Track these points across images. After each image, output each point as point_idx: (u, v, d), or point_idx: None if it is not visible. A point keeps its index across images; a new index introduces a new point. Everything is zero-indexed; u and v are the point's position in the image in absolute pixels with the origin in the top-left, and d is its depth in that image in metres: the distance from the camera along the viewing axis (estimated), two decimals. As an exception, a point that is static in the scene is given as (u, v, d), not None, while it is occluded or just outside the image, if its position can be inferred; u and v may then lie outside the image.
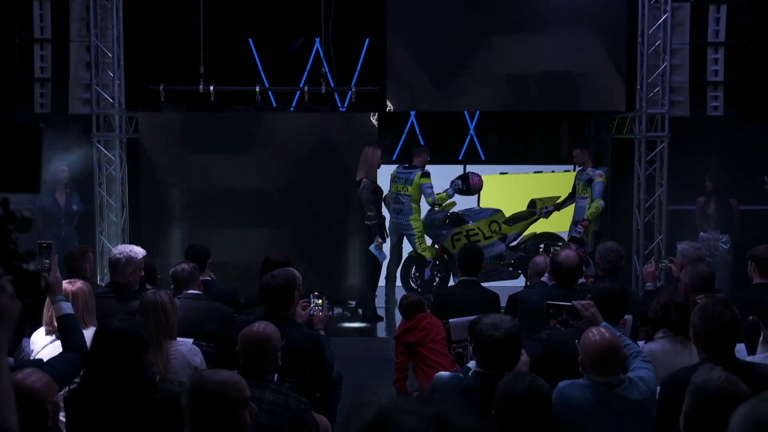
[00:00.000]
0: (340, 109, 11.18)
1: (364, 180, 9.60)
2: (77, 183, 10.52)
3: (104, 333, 4.05)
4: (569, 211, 10.76)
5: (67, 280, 5.03)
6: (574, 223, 10.48)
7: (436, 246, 10.62)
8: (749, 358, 4.62)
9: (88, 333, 4.71)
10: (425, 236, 10.39)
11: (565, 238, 10.69)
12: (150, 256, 6.90)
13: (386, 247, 10.06)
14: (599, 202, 10.14)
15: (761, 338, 4.66)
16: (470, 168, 11.98)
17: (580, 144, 10.73)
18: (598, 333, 4.17)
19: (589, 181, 10.29)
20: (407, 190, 10.09)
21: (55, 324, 4.61)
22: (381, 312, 10.26)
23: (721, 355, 4.00)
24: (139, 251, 6.17)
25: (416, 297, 6.83)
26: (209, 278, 6.82)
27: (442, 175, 11.34)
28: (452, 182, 10.39)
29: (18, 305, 1.85)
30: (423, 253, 10.26)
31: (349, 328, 9.82)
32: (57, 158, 10.32)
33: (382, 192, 9.89)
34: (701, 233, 10.40)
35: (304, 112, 10.62)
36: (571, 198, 10.68)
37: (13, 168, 2.00)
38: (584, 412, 4.02)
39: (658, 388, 4.15)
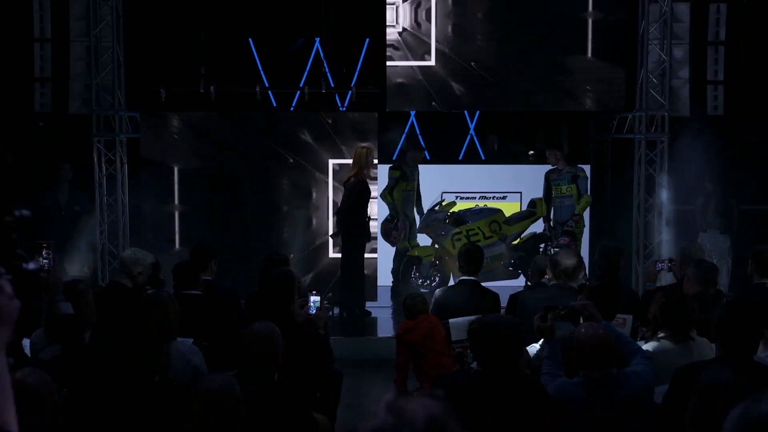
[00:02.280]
0: (340, 109, 11.18)
1: (352, 179, 9.65)
2: (77, 183, 10.52)
3: (101, 331, 4.05)
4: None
5: (70, 280, 5.02)
6: (560, 223, 10.45)
7: (436, 246, 10.63)
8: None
9: (90, 333, 4.72)
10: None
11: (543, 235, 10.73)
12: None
13: None
14: (588, 197, 10.24)
15: (764, 338, 4.65)
16: (469, 167, 12.00)
17: (554, 145, 10.73)
18: (591, 328, 4.19)
19: (574, 178, 10.30)
20: None
21: (56, 324, 4.61)
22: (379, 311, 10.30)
23: (738, 354, 3.98)
24: (149, 256, 6.33)
25: (419, 297, 6.82)
26: (209, 278, 6.81)
27: (442, 175, 11.37)
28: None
29: (17, 305, 1.85)
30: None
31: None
32: (58, 158, 10.33)
33: (369, 192, 9.85)
34: (701, 233, 10.40)
35: (304, 112, 10.63)
36: (547, 201, 10.65)
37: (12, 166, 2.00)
38: (577, 409, 4.03)
39: (661, 388, 4.15)
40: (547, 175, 10.60)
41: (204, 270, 6.59)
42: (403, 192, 10.65)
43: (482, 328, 4.06)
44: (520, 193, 11.49)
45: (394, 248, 10.74)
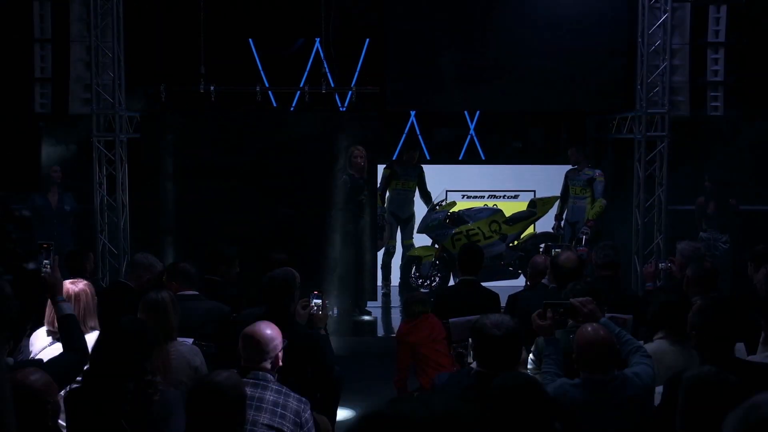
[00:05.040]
0: (340, 109, 11.18)
1: (344, 177, 9.74)
2: (77, 183, 10.52)
3: (111, 332, 4.05)
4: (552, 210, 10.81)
5: (69, 281, 5.02)
6: (570, 224, 10.45)
7: (437, 246, 10.64)
8: (749, 358, 4.61)
9: (90, 333, 4.72)
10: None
11: (550, 236, 10.72)
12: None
13: None
14: (602, 201, 10.18)
15: (762, 338, 4.65)
16: (469, 167, 12.00)
17: (576, 144, 10.72)
18: (592, 329, 4.18)
19: (590, 181, 10.28)
20: None
21: (56, 324, 4.61)
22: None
23: (719, 354, 4.00)
24: (159, 263, 6.50)
25: (420, 297, 6.82)
26: (217, 278, 6.81)
27: (442, 175, 11.37)
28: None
29: (16, 304, 1.86)
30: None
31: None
32: (54, 158, 10.34)
33: (361, 190, 9.82)
34: (701, 233, 10.39)
35: (304, 112, 10.62)
36: (563, 200, 10.65)
37: (12, 166, 2.00)
38: (578, 411, 4.02)
39: (661, 388, 4.15)
40: (567, 174, 10.61)
41: (214, 272, 6.67)
42: (394, 191, 10.67)
43: (483, 328, 4.05)
44: (534, 191, 11.46)
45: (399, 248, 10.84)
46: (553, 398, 3.97)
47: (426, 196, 10.91)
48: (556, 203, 10.77)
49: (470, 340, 4.42)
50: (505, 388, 3.51)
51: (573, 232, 10.56)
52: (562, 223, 10.65)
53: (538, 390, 3.57)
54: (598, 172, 10.30)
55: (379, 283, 10.84)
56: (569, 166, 10.66)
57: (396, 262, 11.00)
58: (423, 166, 11.20)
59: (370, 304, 10.33)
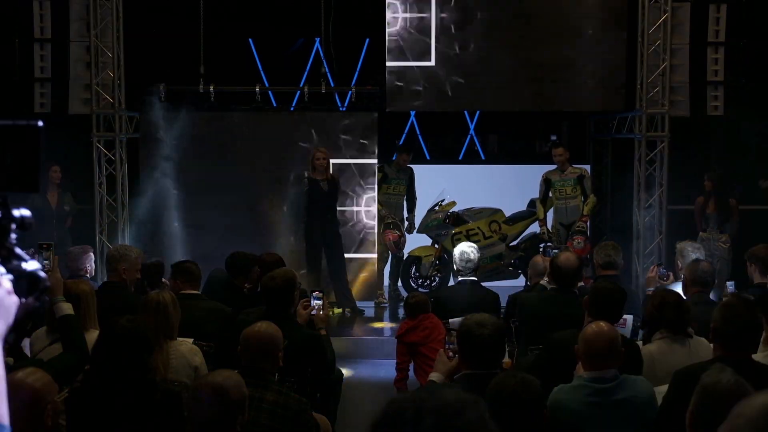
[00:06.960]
0: (340, 109, 11.18)
1: (304, 180, 9.74)
2: (77, 183, 10.52)
3: (110, 332, 4.05)
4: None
5: (70, 280, 5.02)
6: (565, 226, 10.39)
7: (436, 246, 10.63)
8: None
9: (90, 333, 4.72)
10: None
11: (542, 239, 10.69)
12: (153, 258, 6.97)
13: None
14: (594, 197, 10.24)
15: (762, 338, 4.65)
16: (470, 167, 12.02)
17: (561, 144, 10.66)
18: (597, 325, 4.16)
19: (580, 179, 10.25)
20: None
21: (56, 324, 4.61)
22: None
23: (738, 354, 3.97)
24: (134, 250, 6.38)
25: (421, 297, 6.82)
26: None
27: (442, 175, 11.37)
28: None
29: (15, 300, 1.86)
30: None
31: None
32: (52, 158, 10.33)
33: (315, 192, 9.69)
34: (701, 233, 10.39)
35: (304, 112, 10.63)
36: (544, 204, 10.54)
37: (12, 167, 1.99)
38: (579, 414, 4.01)
39: (668, 383, 4.13)
40: (548, 177, 10.44)
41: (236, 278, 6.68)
42: (384, 195, 10.57)
43: (468, 328, 4.01)
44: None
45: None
46: (554, 404, 3.96)
47: (411, 200, 10.80)
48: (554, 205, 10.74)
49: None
50: (501, 387, 3.49)
51: (568, 235, 10.48)
52: (550, 227, 10.49)
53: (535, 391, 3.55)
54: (584, 168, 10.33)
55: (386, 284, 10.84)
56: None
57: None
58: (423, 166, 11.19)
59: (370, 304, 10.33)
